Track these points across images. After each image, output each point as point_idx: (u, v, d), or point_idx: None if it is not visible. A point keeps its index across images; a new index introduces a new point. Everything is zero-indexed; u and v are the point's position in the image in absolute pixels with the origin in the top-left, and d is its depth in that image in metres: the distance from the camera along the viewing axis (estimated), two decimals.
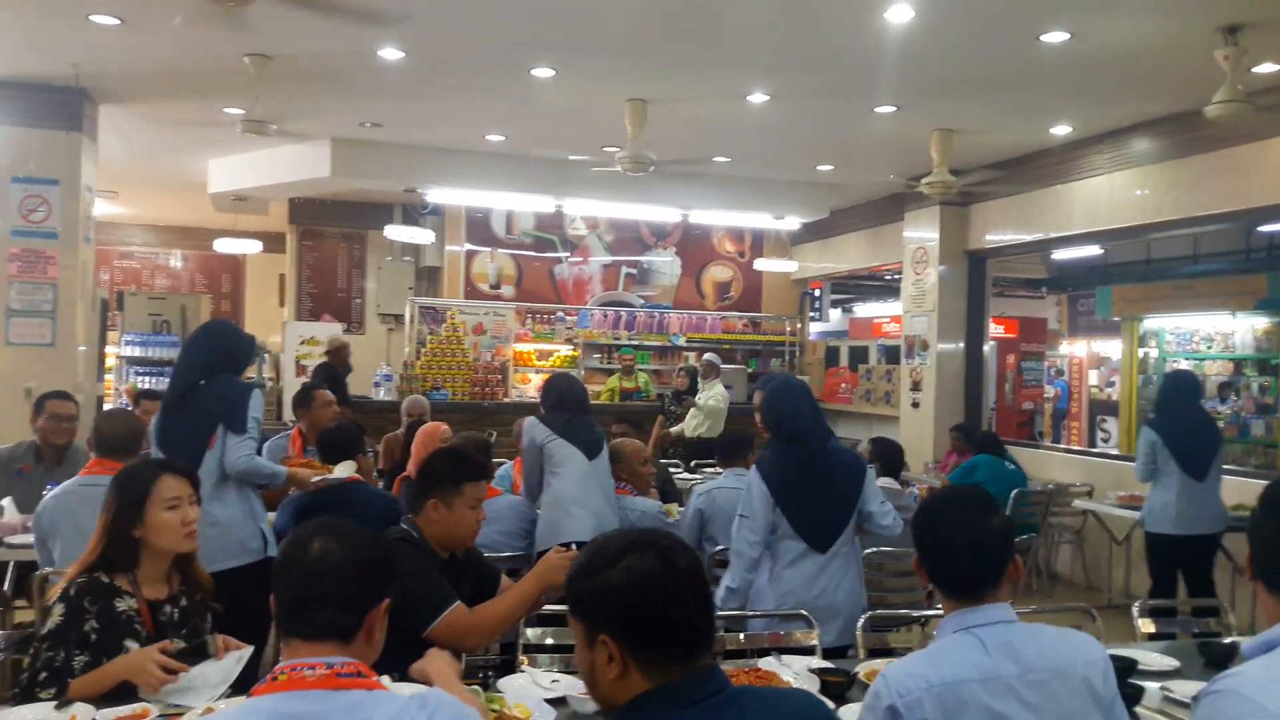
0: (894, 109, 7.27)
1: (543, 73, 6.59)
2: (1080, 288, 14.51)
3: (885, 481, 5.24)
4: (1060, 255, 12.40)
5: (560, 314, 12.13)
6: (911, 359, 9.92)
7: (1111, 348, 14.12)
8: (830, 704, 1.97)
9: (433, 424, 5.66)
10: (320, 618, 1.63)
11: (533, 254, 12.52)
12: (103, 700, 2.37)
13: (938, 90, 6.82)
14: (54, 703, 2.33)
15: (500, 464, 5.69)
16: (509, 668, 3.22)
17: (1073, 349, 14.92)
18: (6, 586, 4.48)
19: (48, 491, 4.49)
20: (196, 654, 2.46)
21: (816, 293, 13.37)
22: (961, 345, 9.67)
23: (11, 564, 4.43)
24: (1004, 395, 11.92)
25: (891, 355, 11.80)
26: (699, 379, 9.40)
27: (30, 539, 4.31)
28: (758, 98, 7.06)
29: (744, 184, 10.14)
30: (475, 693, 2.13)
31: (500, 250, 12.38)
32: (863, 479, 3.84)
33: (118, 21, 5.72)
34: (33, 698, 2.38)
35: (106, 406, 8.82)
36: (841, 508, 3.79)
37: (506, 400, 10.82)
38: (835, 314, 15.70)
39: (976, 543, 1.97)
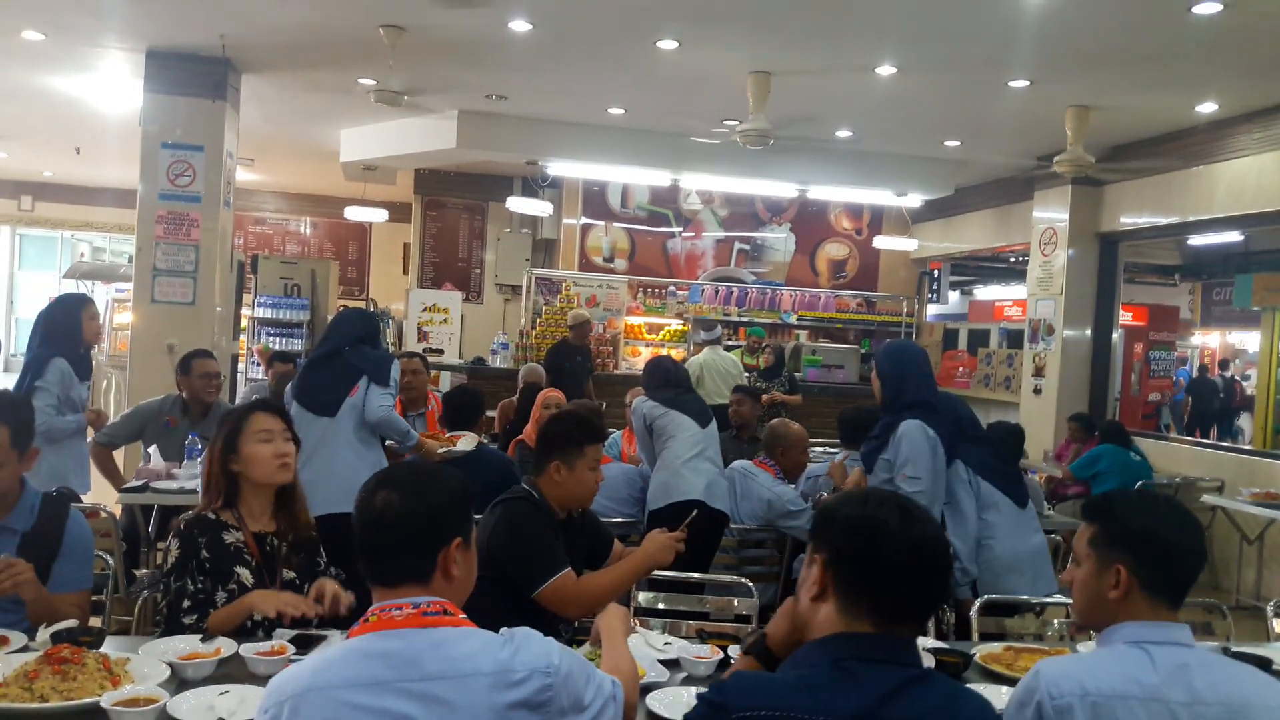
0: (1028, 83, 7.02)
1: (667, 44, 6.58)
2: (1217, 275, 13.80)
3: None
4: (1196, 240, 11.80)
5: (671, 288, 12.15)
6: (1035, 344, 9.60)
7: (1249, 339, 13.39)
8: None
9: (550, 390, 5.79)
10: (393, 565, 1.72)
11: (646, 228, 12.56)
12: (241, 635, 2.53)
13: (1076, 64, 6.55)
14: (200, 635, 2.49)
15: (610, 433, 5.77)
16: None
17: (1205, 339, 14.23)
18: (151, 528, 4.78)
19: (190, 442, 4.79)
20: (314, 641, 2.57)
21: (935, 273, 13.05)
22: (1088, 331, 9.31)
23: (155, 508, 4.73)
24: (1130, 385, 11.46)
25: (1013, 339, 11.46)
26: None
27: (172, 484, 4.61)
28: (885, 70, 6.91)
29: (866, 159, 9.94)
30: (595, 656, 2.17)
31: (615, 224, 12.46)
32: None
33: None
34: (177, 626, 2.55)
35: (255, 362, 9.28)
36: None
37: (616, 372, 10.92)
38: (953, 296, 15.30)
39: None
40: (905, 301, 12.73)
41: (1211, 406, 14.53)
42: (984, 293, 16.19)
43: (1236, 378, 15.36)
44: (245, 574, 2.65)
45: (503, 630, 1.70)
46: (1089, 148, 7.63)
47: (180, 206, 7.48)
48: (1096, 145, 8.03)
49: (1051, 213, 9.45)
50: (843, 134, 9.09)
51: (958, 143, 9.30)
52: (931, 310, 13.62)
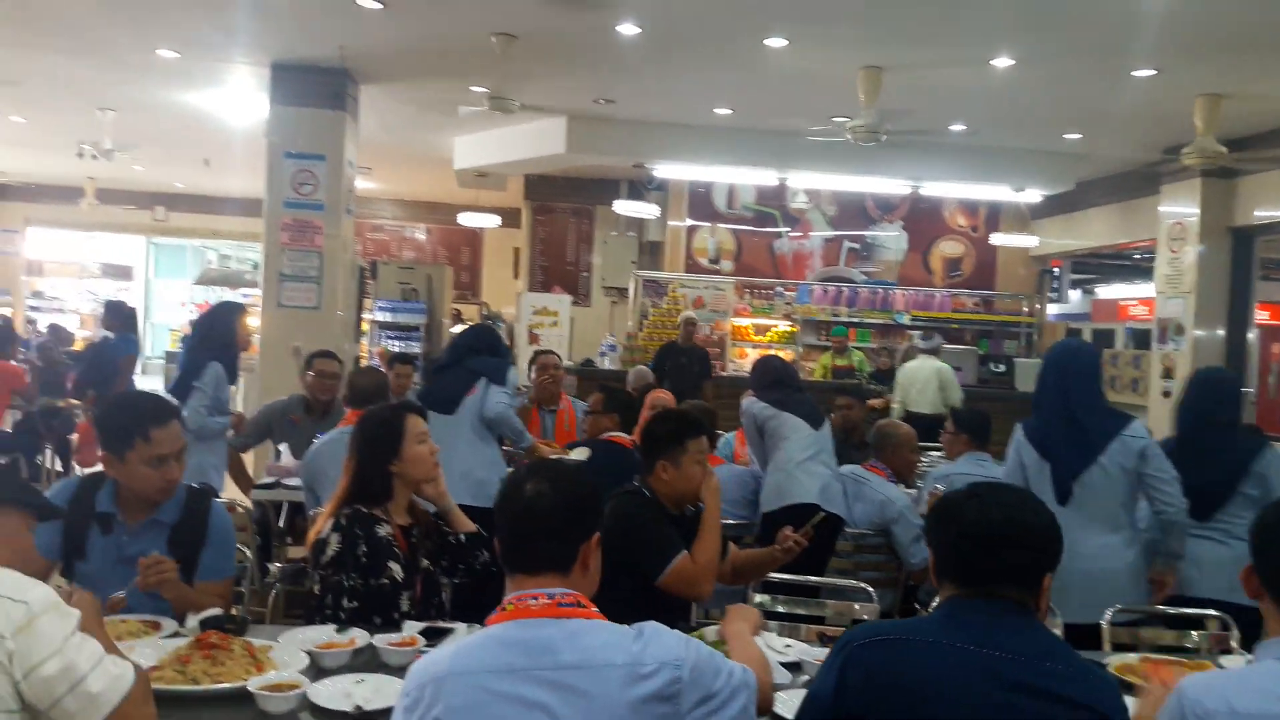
0: (1153, 72, 6.74)
1: (776, 42, 6.54)
2: None
3: None
4: None
5: (779, 289, 12.05)
6: (1164, 344, 9.20)
7: None
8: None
9: (658, 391, 5.81)
10: (537, 552, 1.77)
11: (752, 228, 12.50)
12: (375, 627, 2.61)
13: (1205, 51, 6.26)
14: (335, 625, 2.58)
15: (721, 435, 5.75)
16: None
17: None
18: (281, 523, 4.98)
19: (317, 440, 4.97)
20: (443, 634, 2.63)
21: (1056, 271, 12.61)
22: (1221, 331, 8.87)
23: (285, 504, 4.92)
24: (1267, 387, 10.87)
25: (1140, 340, 11.00)
26: None
27: (301, 481, 4.78)
28: (1002, 61, 6.72)
29: (981, 154, 9.67)
30: (720, 646, 2.17)
31: (720, 225, 12.44)
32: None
33: (380, 5, 6.14)
34: (334, 617, 2.65)
35: (377, 364, 9.61)
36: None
37: (724, 374, 10.89)
38: (1074, 295, 14.78)
39: None
40: (1025, 301, 12.33)
41: None
42: (1107, 291, 15.61)
43: None
44: (395, 568, 2.73)
45: (634, 625, 1.73)
46: (1220, 138, 7.27)
47: (304, 214, 7.78)
48: (1228, 135, 7.64)
49: (1180, 207, 9.04)
50: (957, 128, 8.88)
51: (1078, 135, 8.98)
52: (1052, 310, 13.17)
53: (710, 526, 3.02)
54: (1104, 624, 3.25)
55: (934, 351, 9.13)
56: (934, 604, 1.90)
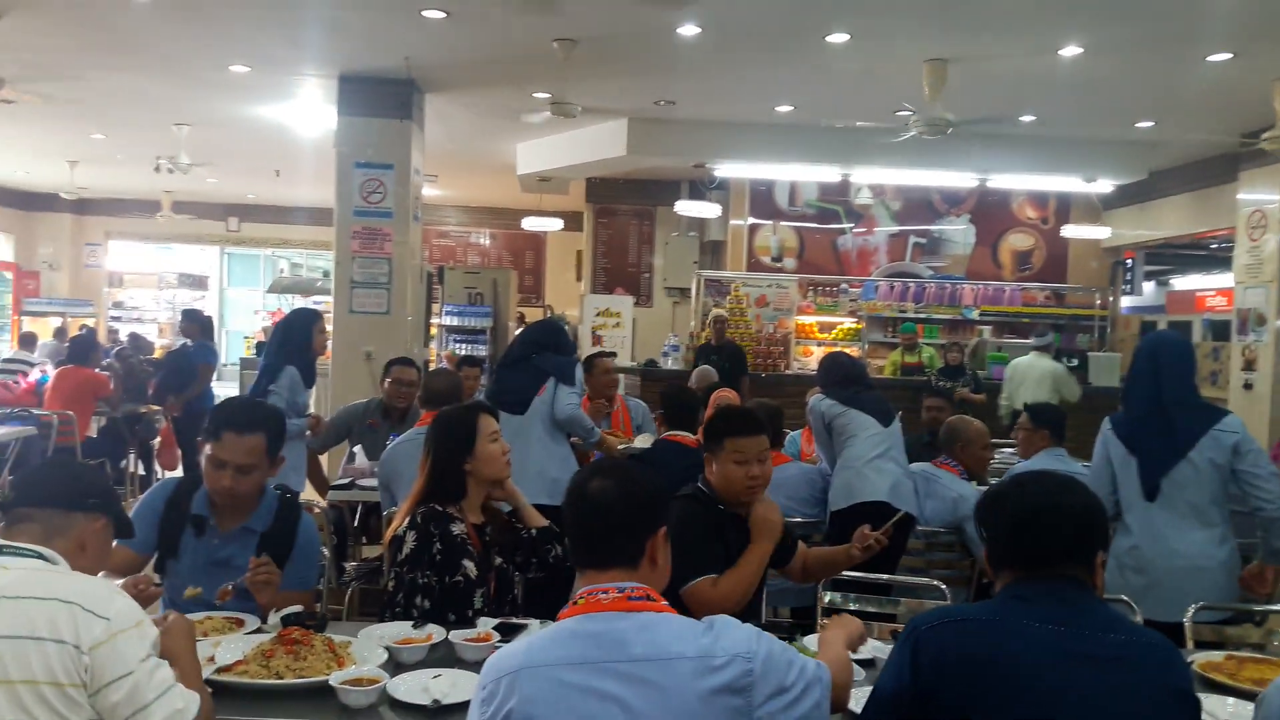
0: (1229, 56, 6.55)
1: (837, 38, 6.50)
2: None
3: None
4: None
5: (844, 286, 11.94)
6: (1244, 335, 8.92)
7: None
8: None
9: (723, 390, 5.82)
10: (605, 547, 1.81)
11: (815, 225, 12.40)
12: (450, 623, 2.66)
13: None
14: (411, 621, 2.63)
15: (787, 434, 5.72)
16: (809, 630, 3.26)
17: None
18: (356, 523, 5.09)
19: (391, 442, 5.08)
20: (516, 630, 2.64)
21: (1129, 263, 12.29)
22: None
23: (360, 505, 5.04)
24: None
25: (1219, 331, 10.68)
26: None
27: (375, 482, 4.89)
28: (1070, 50, 6.59)
29: (1050, 144, 9.47)
30: (803, 648, 2.18)
31: (783, 223, 12.37)
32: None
33: (444, 15, 6.25)
34: (405, 615, 2.69)
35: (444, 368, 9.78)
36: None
37: (788, 372, 10.83)
38: (1148, 287, 14.38)
39: None
40: (1097, 294, 12.04)
41: None
42: (1183, 282, 15.15)
43: None
44: (470, 566, 2.77)
45: (705, 618, 1.76)
46: None
47: (373, 222, 7.94)
48: None
49: (1260, 194, 8.75)
50: (1025, 119, 8.71)
51: (1151, 123, 8.75)
52: (1125, 302, 12.84)
53: (748, 562, 2.87)
54: (1186, 622, 3.17)
55: (1046, 349, 9.03)
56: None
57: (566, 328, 11.35)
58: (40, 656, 1.66)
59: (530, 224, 13.09)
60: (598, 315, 11.60)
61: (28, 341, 10.61)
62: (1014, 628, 1.72)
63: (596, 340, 11.26)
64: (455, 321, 11.36)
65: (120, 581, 2.50)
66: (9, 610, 1.69)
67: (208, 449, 2.67)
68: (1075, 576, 1.79)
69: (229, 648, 2.36)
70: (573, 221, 13.88)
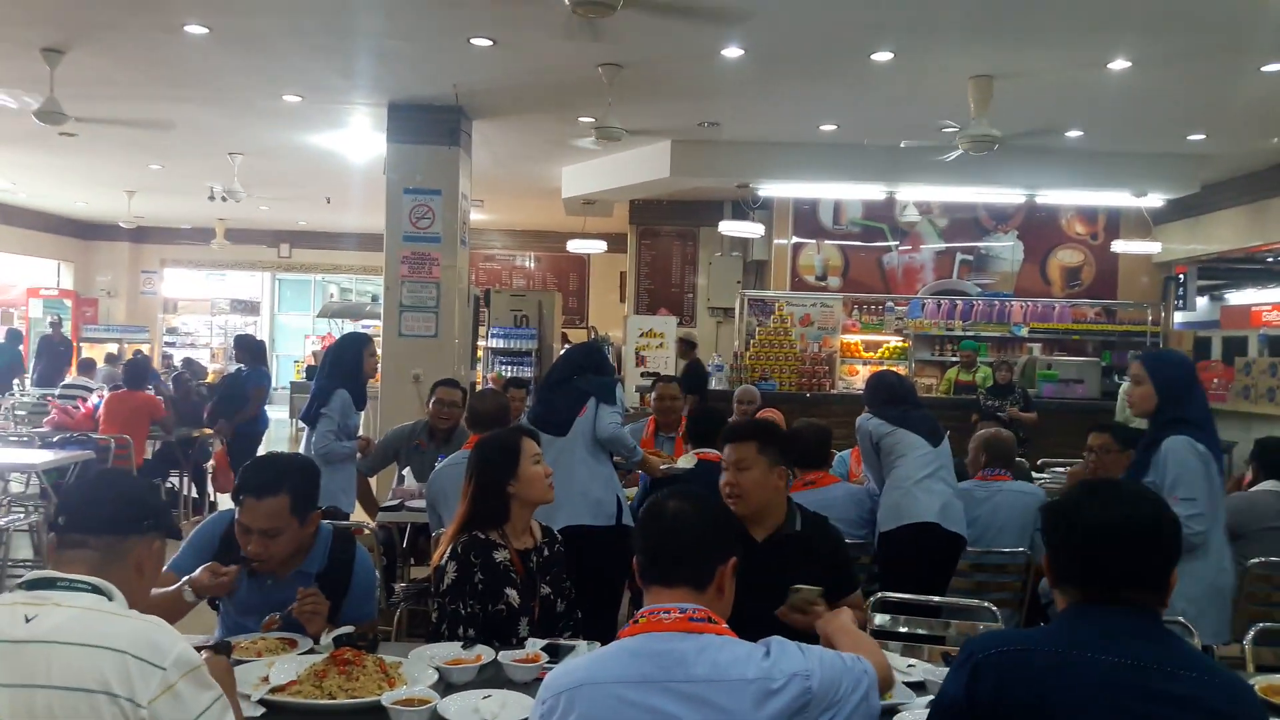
0: None
1: (882, 56, 6.49)
2: None
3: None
4: None
5: (889, 304, 11.85)
6: None
7: None
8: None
9: (767, 410, 5.82)
10: (676, 566, 1.83)
11: (860, 243, 12.34)
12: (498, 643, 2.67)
13: None
14: (461, 642, 2.65)
15: (835, 454, 5.69)
16: None
17: None
18: (405, 544, 5.14)
19: (438, 464, 5.13)
20: (564, 651, 2.65)
21: (1181, 278, 12.06)
22: None
23: (409, 526, 5.08)
24: None
25: (1275, 347, 10.42)
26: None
27: (424, 504, 4.93)
28: (1118, 64, 6.51)
29: (1099, 159, 9.35)
30: None
31: (827, 241, 12.32)
32: None
33: (492, 43, 6.34)
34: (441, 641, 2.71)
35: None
36: None
37: (833, 391, 10.75)
38: (1201, 302, 14.10)
39: None
40: (1149, 310, 11.83)
41: None
42: (1237, 297, 14.83)
43: None
44: (512, 594, 2.75)
45: (762, 640, 1.77)
46: None
47: (422, 247, 8.05)
48: None
49: None
50: (1072, 134, 8.62)
51: (1202, 136, 8.61)
52: (1178, 318, 12.59)
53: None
54: (1246, 645, 3.10)
55: None
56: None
57: (609, 349, 11.40)
58: (91, 709, 1.59)
59: (575, 246, 13.19)
60: (641, 336, 11.63)
61: (86, 367, 10.88)
62: (1081, 663, 1.60)
63: (640, 361, 11.28)
64: (501, 344, 11.46)
65: (199, 570, 2.54)
66: (59, 658, 1.61)
67: (239, 514, 2.62)
68: (1146, 603, 1.67)
69: (282, 668, 2.38)
70: (616, 243, 13.95)
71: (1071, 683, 1.59)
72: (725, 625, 1.79)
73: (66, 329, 14.36)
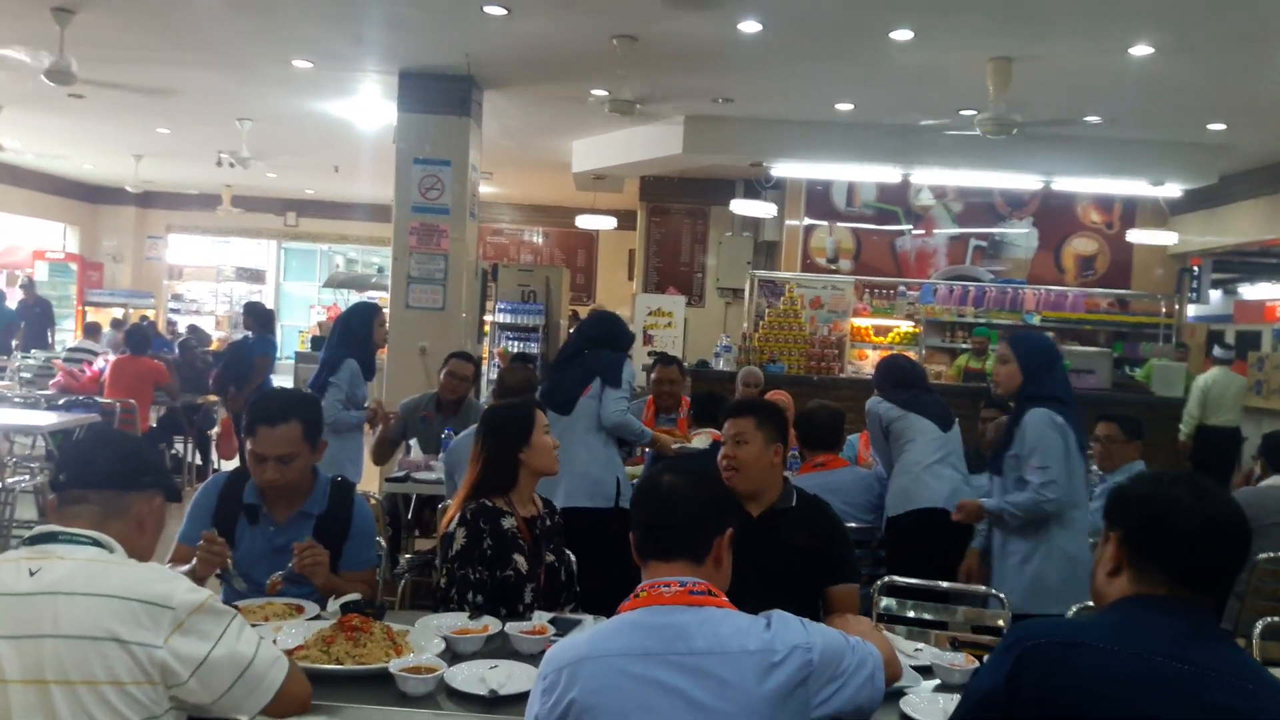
0: None
1: (901, 35, 6.40)
2: None
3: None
4: None
5: (901, 288, 11.77)
6: None
7: None
8: None
9: (776, 392, 5.78)
10: (673, 539, 1.84)
11: (873, 226, 12.25)
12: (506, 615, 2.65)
13: None
14: (467, 612, 2.64)
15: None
16: None
17: None
18: (410, 515, 5.12)
19: (445, 436, 5.11)
20: (571, 625, 2.63)
21: (1195, 270, 11.97)
22: None
23: (414, 496, 5.06)
24: None
25: None
26: None
27: (430, 475, 4.91)
28: (1140, 50, 6.42)
29: (1117, 146, 9.25)
30: None
31: (839, 223, 12.24)
32: None
33: (505, 12, 6.26)
34: (459, 610, 2.70)
35: (496, 365, 9.89)
36: None
37: (842, 375, 10.69)
38: (1215, 295, 14.01)
39: None
40: (1163, 301, 11.75)
41: None
42: (1251, 291, 14.74)
43: None
44: (520, 560, 2.77)
45: (763, 612, 1.78)
46: None
47: (431, 218, 7.99)
48: None
49: None
50: (1091, 120, 8.52)
51: (1222, 125, 8.51)
52: (1191, 310, 12.51)
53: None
54: (1255, 639, 3.08)
55: (1228, 362, 8.89)
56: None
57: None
58: (100, 657, 1.63)
59: (584, 222, 13.12)
60: (649, 315, 11.58)
61: (92, 331, 10.87)
62: (1139, 663, 1.47)
63: (647, 340, 11.23)
64: (508, 319, 11.40)
65: (194, 560, 2.54)
66: (66, 609, 1.64)
67: (248, 445, 2.70)
68: (1216, 609, 1.56)
69: (290, 633, 2.39)
70: (626, 220, 13.88)
71: (1129, 682, 1.46)
72: (725, 598, 1.79)
73: (45, 291, 14.21)
